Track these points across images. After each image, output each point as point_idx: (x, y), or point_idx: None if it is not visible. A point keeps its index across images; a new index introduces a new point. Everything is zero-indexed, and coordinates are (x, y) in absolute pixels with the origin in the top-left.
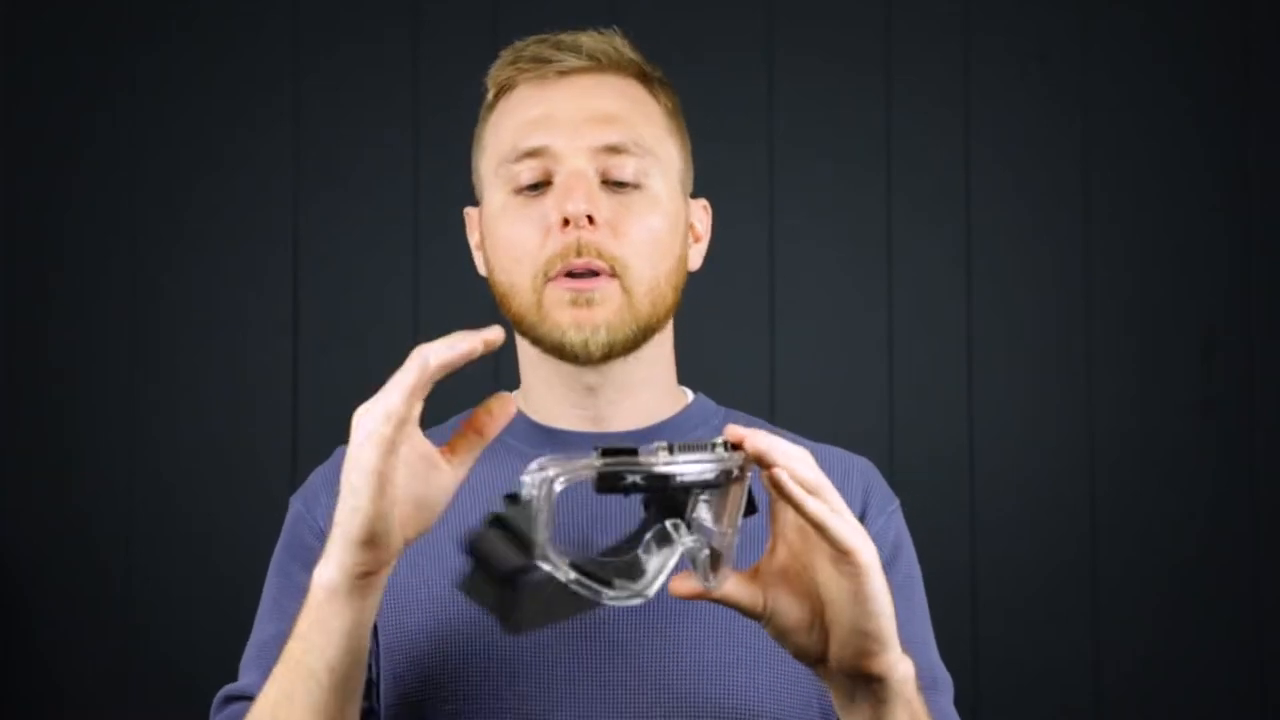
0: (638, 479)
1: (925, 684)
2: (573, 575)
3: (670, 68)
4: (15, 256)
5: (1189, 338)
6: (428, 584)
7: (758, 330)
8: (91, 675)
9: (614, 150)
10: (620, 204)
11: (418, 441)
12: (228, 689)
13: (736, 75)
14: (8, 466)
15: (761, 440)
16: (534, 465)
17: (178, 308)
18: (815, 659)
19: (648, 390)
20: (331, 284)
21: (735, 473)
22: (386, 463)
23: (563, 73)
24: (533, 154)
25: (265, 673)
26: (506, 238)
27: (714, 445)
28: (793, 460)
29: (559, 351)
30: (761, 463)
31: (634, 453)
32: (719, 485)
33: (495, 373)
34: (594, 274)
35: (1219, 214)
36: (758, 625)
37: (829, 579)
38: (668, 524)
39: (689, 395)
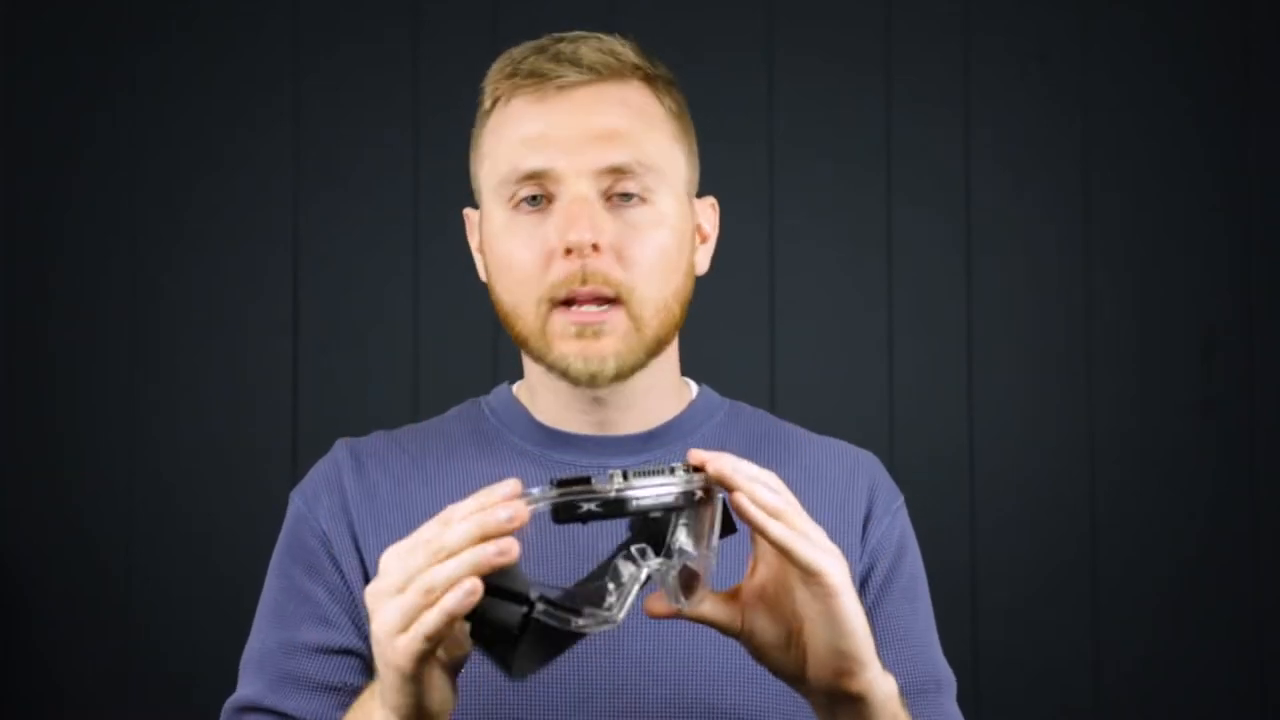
0: (593, 506)
1: (929, 685)
2: (540, 607)
3: (670, 68)
4: (15, 256)
5: (1189, 338)
6: None
7: (758, 330)
8: (91, 675)
9: (617, 171)
10: (625, 223)
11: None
12: (236, 700)
13: (736, 75)
14: (8, 466)
15: (724, 464)
16: None
17: (178, 308)
18: (794, 677)
19: (654, 394)
20: (331, 284)
21: (699, 494)
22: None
23: (562, 87)
24: (533, 176)
25: (269, 680)
26: (509, 258)
27: (673, 469)
28: (754, 484)
29: (565, 379)
30: (724, 485)
31: (587, 481)
32: (680, 508)
33: (494, 368)
34: (600, 301)
35: (1219, 214)
36: None
37: (803, 598)
38: (633, 548)
39: (693, 389)
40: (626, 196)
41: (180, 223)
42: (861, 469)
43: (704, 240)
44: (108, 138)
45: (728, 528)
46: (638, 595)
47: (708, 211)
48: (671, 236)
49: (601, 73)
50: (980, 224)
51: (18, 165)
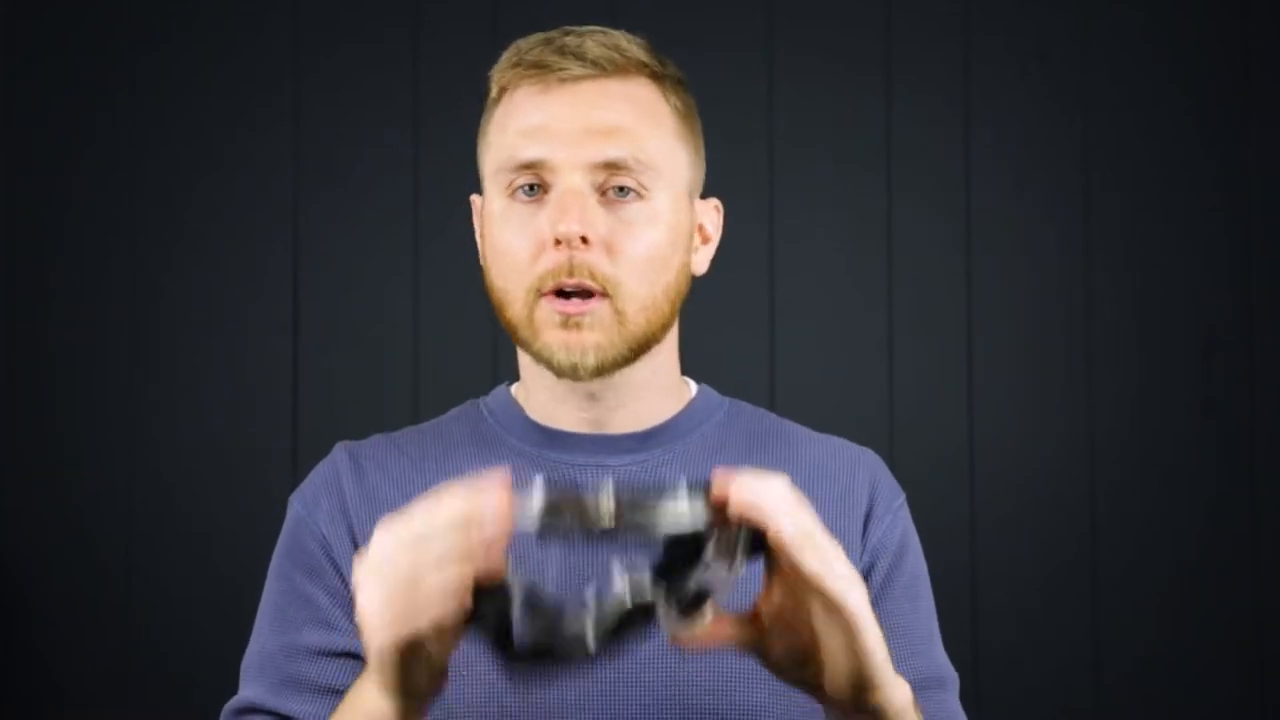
0: (576, 528)
1: (931, 682)
2: (521, 607)
3: (680, 68)
4: (15, 256)
5: (1189, 338)
6: None
7: (758, 330)
8: (91, 675)
9: (613, 166)
10: (617, 219)
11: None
12: (237, 702)
13: (736, 75)
14: (8, 466)
15: (748, 495)
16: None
17: (178, 308)
18: (812, 689)
19: (649, 392)
20: (331, 284)
21: (703, 530)
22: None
23: (564, 80)
24: (529, 166)
25: (269, 684)
26: (502, 245)
27: (676, 492)
28: (782, 516)
29: (550, 369)
30: (747, 523)
31: (578, 498)
32: (679, 535)
33: (494, 368)
34: (585, 294)
35: (1219, 214)
36: None
37: (822, 622)
38: (632, 576)
39: (692, 388)
40: (622, 191)
41: (180, 223)
42: (863, 467)
43: (706, 241)
44: (108, 138)
45: (756, 546)
46: (618, 616)
47: (711, 213)
48: (665, 234)
49: (605, 68)
50: (980, 224)
51: (18, 165)
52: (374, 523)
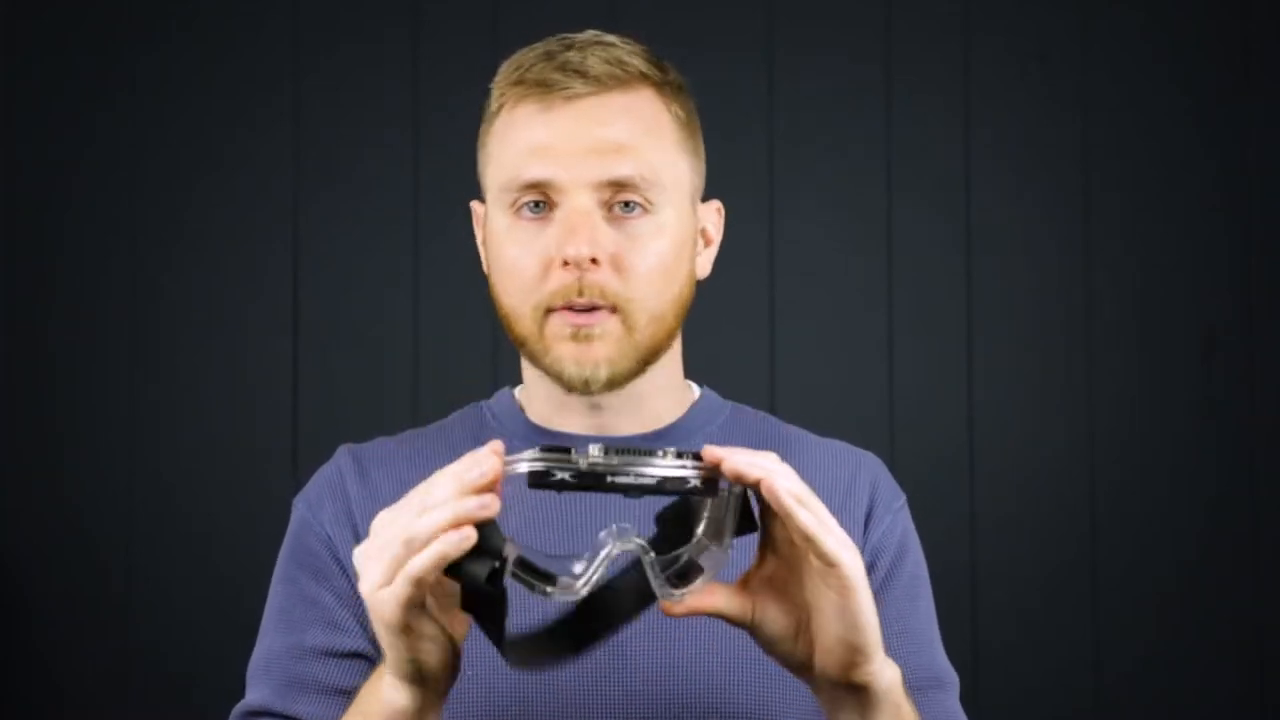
0: (566, 476)
1: (931, 683)
2: (511, 568)
3: (680, 71)
4: (15, 256)
5: (1189, 338)
6: None
7: (758, 330)
8: (91, 675)
9: (618, 184)
10: (624, 235)
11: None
12: (245, 705)
13: (736, 75)
14: (8, 466)
15: (739, 459)
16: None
17: (178, 308)
18: (801, 667)
19: (653, 398)
20: (331, 284)
21: (694, 484)
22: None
23: (568, 98)
24: (535, 185)
25: (276, 686)
26: (510, 262)
27: (665, 452)
28: (774, 474)
29: (560, 383)
30: (742, 481)
31: (567, 452)
32: (669, 492)
33: (494, 368)
34: (595, 308)
35: (1219, 214)
36: None
37: (815, 590)
38: (616, 525)
39: (695, 391)
40: (628, 207)
41: (180, 223)
42: (864, 469)
43: (708, 244)
44: (108, 138)
45: (746, 524)
46: (606, 570)
47: (713, 215)
48: (671, 246)
49: (608, 83)
50: (980, 224)
51: (18, 165)
52: None
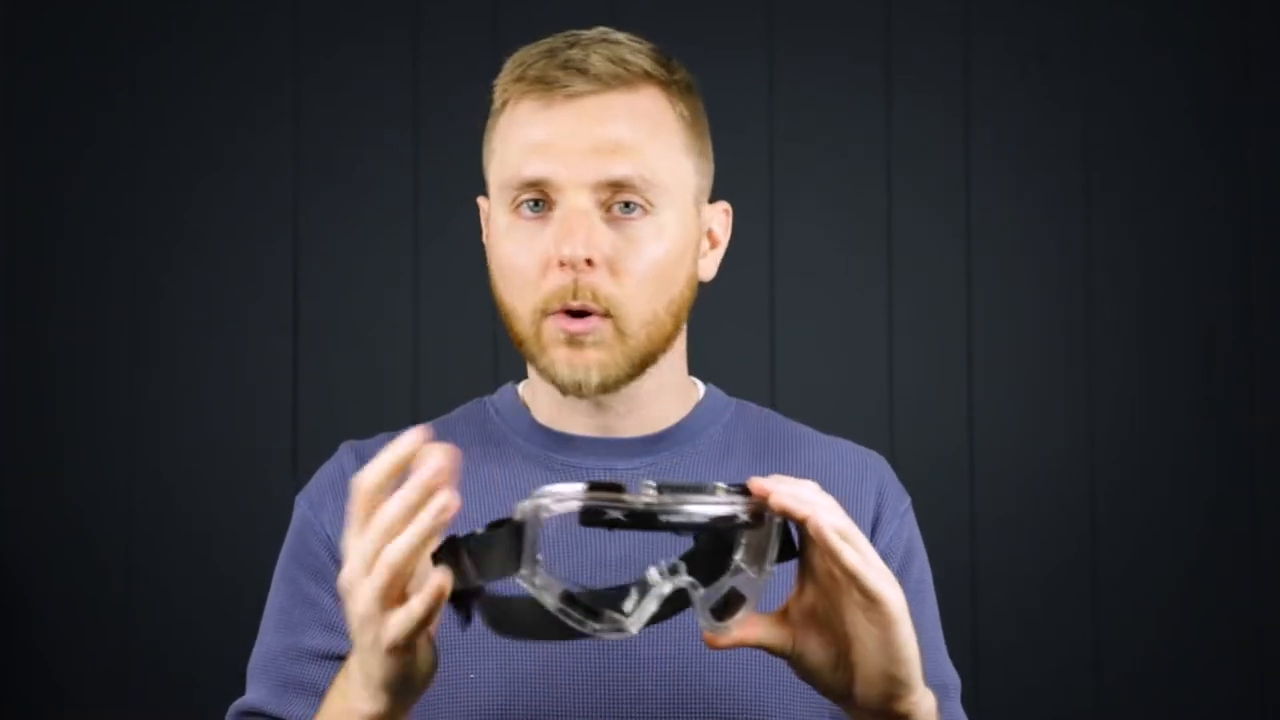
0: (619, 515)
1: (936, 689)
2: (557, 605)
3: (688, 69)
4: (15, 256)
5: (1189, 338)
6: None
7: (758, 331)
8: (91, 675)
9: (618, 184)
10: (622, 236)
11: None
12: (241, 704)
13: (737, 75)
14: (8, 466)
15: (785, 494)
16: (534, 492)
17: (178, 308)
18: (841, 696)
19: (657, 398)
20: (331, 284)
21: (742, 518)
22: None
23: (569, 96)
24: (534, 184)
25: (271, 687)
26: (509, 261)
27: (715, 488)
28: (819, 510)
29: (554, 385)
30: (789, 516)
31: (621, 489)
32: (713, 529)
33: (494, 368)
34: (588, 314)
35: (1219, 214)
36: None
37: (856, 622)
38: (664, 561)
39: (700, 389)
40: (627, 207)
41: (180, 223)
42: (870, 471)
43: (714, 245)
44: (108, 138)
45: (786, 551)
46: (657, 608)
47: (720, 216)
48: (670, 249)
49: (610, 83)
50: (980, 224)
51: (18, 165)
52: None
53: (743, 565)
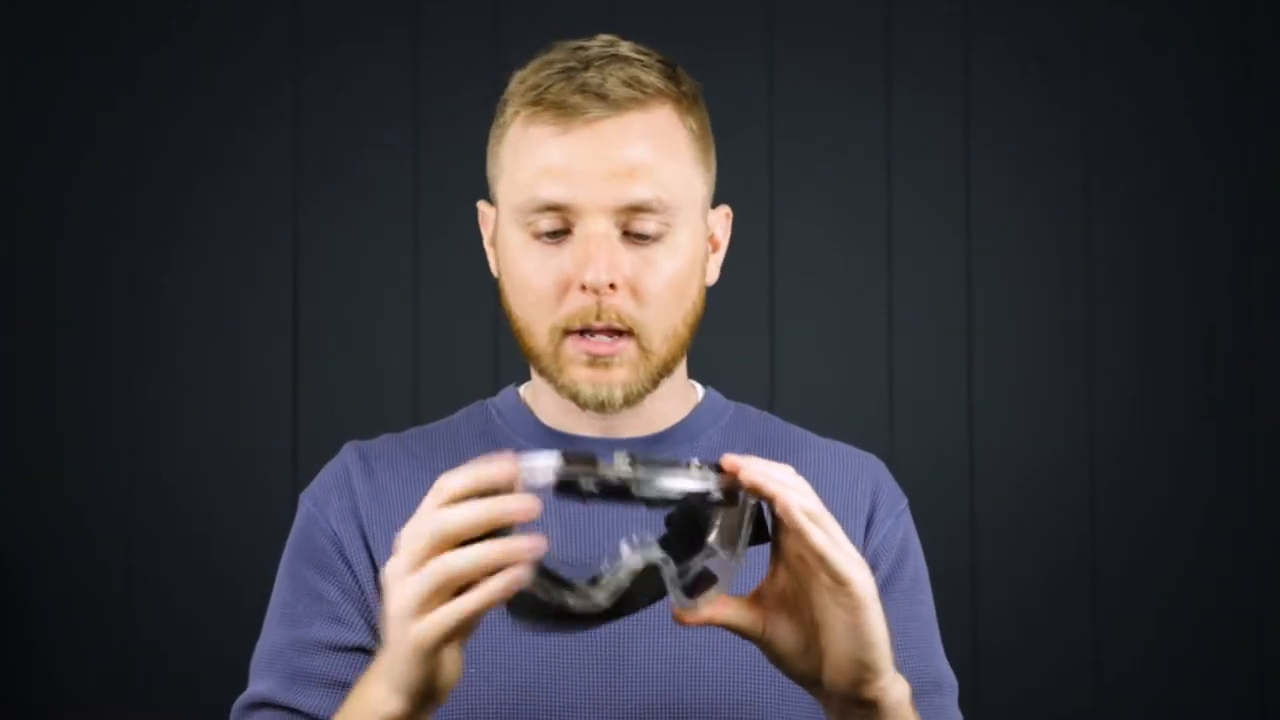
0: (592, 487)
1: (930, 688)
2: (533, 577)
3: (695, 81)
4: (15, 256)
5: (1189, 338)
6: None
7: (758, 331)
8: (91, 675)
9: (636, 208)
10: (641, 258)
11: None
12: (248, 697)
13: (737, 75)
14: (8, 466)
15: (756, 470)
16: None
17: (178, 308)
18: (810, 681)
19: (659, 400)
20: (331, 284)
21: (715, 496)
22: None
23: (588, 121)
24: (552, 207)
25: (279, 679)
26: (524, 280)
27: (689, 464)
28: (789, 490)
29: (574, 402)
30: (759, 493)
31: (592, 460)
32: (693, 505)
33: (494, 368)
34: (611, 333)
35: (1219, 214)
36: None
37: (825, 606)
38: (634, 535)
39: (699, 391)
40: (644, 229)
41: (180, 223)
42: (866, 472)
43: (716, 248)
44: (108, 138)
45: (759, 535)
46: (628, 582)
47: (721, 220)
48: (685, 266)
49: (626, 105)
50: (980, 224)
51: (18, 165)
52: (383, 522)
53: (716, 547)
